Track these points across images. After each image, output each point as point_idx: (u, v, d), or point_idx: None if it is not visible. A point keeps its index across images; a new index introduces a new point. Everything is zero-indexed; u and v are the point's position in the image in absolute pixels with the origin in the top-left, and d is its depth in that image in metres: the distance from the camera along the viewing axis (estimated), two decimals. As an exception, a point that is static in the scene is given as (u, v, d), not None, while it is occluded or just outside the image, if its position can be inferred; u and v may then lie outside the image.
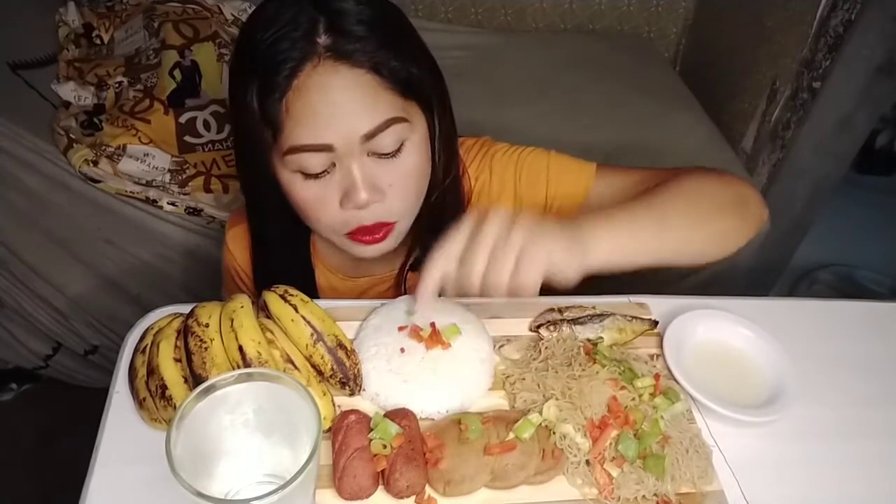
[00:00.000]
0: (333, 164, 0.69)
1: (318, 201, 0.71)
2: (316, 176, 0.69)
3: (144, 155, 1.50)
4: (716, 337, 0.79)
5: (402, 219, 0.76)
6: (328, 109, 0.66)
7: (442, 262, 0.61)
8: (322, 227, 0.75)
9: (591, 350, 0.72)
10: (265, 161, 0.71)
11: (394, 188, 0.72)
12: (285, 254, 0.87)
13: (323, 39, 0.66)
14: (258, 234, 0.86)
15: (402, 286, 0.89)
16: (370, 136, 0.68)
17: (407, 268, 0.88)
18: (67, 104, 1.58)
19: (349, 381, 0.67)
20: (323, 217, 0.73)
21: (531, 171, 0.85)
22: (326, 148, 0.67)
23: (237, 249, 0.90)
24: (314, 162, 0.68)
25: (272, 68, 0.66)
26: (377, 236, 0.74)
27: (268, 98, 0.67)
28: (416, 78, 0.71)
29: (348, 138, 0.67)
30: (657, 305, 0.83)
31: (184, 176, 1.51)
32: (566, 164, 0.85)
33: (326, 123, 0.66)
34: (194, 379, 0.61)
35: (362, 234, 0.74)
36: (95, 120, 1.55)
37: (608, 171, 0.84)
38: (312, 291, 0.88)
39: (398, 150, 0.70)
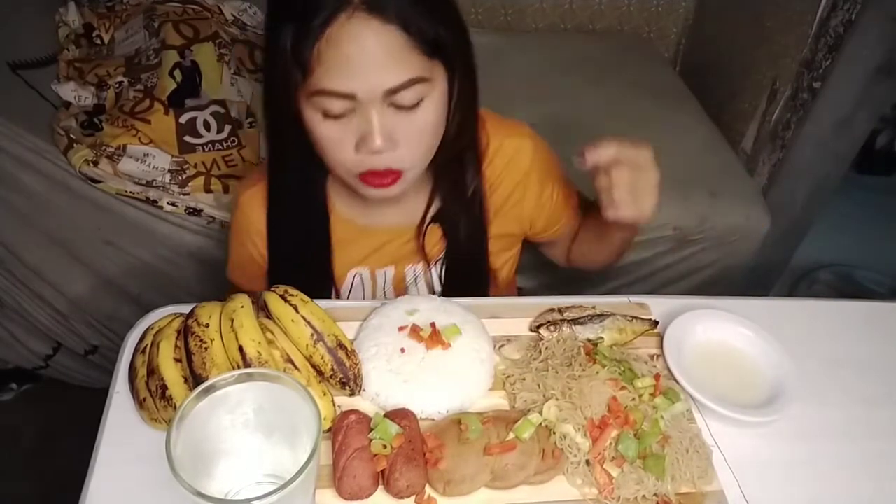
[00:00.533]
0: (354, 110, 0.72)
1: (337, 141, 0.75)
2: (336, 117, 0.73)
3: (144, 155, 1.50)
4: (716, 337, 0.79)
5: (411, 168, 0.79)
6: (356, 60, 0.69)
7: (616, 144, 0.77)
8: (337, 166, 0.78)
9: (592, 350, 0.72)
10: (292, 99, 0.75)
11: (407, 140, 0.75)
12: (302, 203, 0.89)
13: None
14: (278, 182, 0.88)
15: (421, 238, 0.92)
16: (393, 92, 0.71)
17: (427, 220, 0.91)
18: (67, 104, 1.58)
19: (349, 381, 0.67)
20: (339, 156, 0.76)
21: (552, 185, 0.97)
22: (350, 96, 0.70)
23: (253, 211, 0.91)
24: (336, 105, 0.72)
25: (308, 14, 0.69)
26: (385, 181, 0.77)
27: (301, 42, 0.70)
28: (442, 39, 0.73)
29: (372, 90, 0.70)
30: (657, 305, 0.83)
31: (184, 176, 1.51)
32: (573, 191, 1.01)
33: (353, 74, 0.69)
34: (194, 379, 0.61)
35: (373, 177, 0.77)
36: (95, 120, 1.55)
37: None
38: (327, 244, 0.91)
39: (416, 105, 0.73)
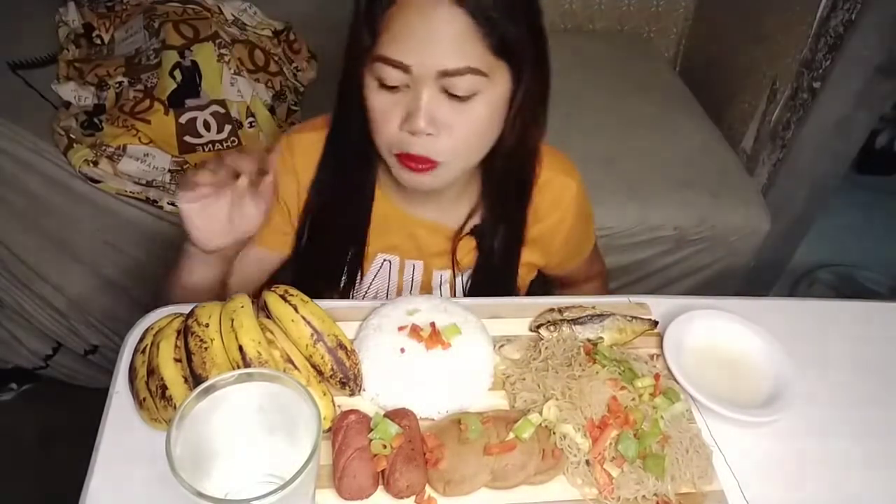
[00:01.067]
0: (407, 85, 0.73)
1: (384, 113, 0.75)
2: (390, 88, 0.73)
3: (144, 155, 1.50)
4: (716, 337, 0.79)
5: (447, 162, 0.77)
6: (418, 33, 0.70)
7: None
8: (380, 140, 0.78)
9: (591, 350, 0.72)
10: (359, 62, 0.75)
11: (451, 130, 0.75)
12: (354, 168, 0.88)
13: None
14: (337, 141, 0.88)
15: (454, 244, 0.92)
16: (445, 75, 0.71)
17: (465, 229, 0.91)
18: (67, 104, 1.58)
19: (349, 381, 0.67)
20: (383, 129, 0.76)
21: (580, 230, 0.99)
22: (404, 67, 0.71)
23: (302, 157, 0.90)
24: (392, 75, 0.72)
25: None
26: (421, 167, 0.77)
27: (374, 6, 0.72)
28: (512, 39, 0.73)
29: (426, 68, 0.70)
30: (657, 305, 0.83)
31: (184, 176, 1.51)
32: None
33: (412, 46, 0.70)
34: (194, 379, 0.61)
35: (408, 159, 0.77)
36: (95, 120, 1.55)
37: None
38: (366, 216, 0.91)
39: (469, 98, 0.73)
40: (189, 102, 1.60)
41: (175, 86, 1.60)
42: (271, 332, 0.66)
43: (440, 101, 0.73)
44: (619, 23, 2.30)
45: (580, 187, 0.95)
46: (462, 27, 0.70)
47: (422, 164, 0.76)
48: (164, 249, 1.49)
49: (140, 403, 0.63)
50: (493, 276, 0.94)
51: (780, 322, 0.81)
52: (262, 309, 0.68)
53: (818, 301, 0.91)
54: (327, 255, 0.91)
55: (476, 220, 0.91)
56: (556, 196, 0.92)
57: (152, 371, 0.63)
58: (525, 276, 0.99)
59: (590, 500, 0.62)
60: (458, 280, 0.95)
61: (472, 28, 0.70)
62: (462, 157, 0.78)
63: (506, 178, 0.87)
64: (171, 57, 1.62)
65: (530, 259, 0.96)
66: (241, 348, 0.61)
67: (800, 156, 1.77)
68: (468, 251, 0.93)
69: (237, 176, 0.73)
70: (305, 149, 0.89)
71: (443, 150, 0.76)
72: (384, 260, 0.94)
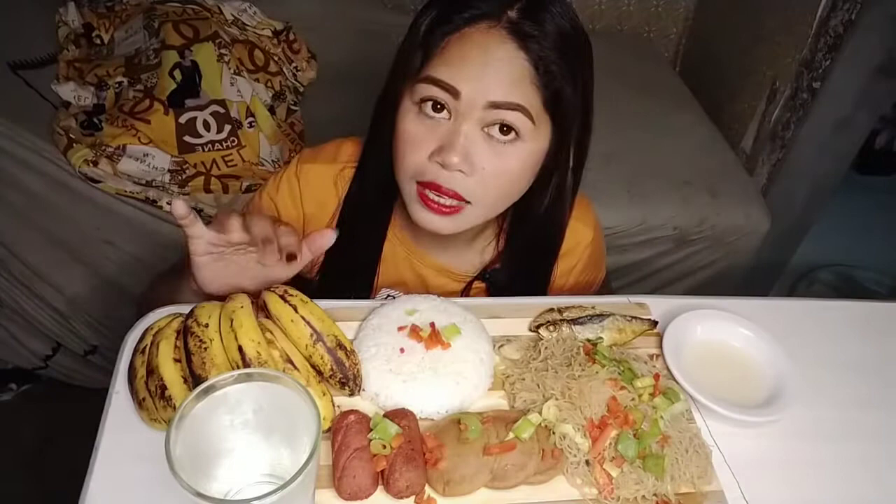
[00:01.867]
0: (449, 117, 0.71)
1: (416, 140, 0.73)
2: (428, 115, 0.72)
3: (144, 155, 1.50)
4: (716, 337, 0.79)
5: (475, 205, 0.75)
6: (475, 66, 0.69)
7: None
8: (404, 167, 0.75)
9: (591, 350, 0.72)
10: (401, 85, 0.74)
11: (485, 173, 0.73)
12: (373, 205, 0.86)
13: (513, 13, 0.70)
14: (368, 168, 0.85)
15: (466, 290, 0.91)
16: (495, 106, 0.70)
17: (480, 276, 0.90)
18: (67, 104, 1.58)
19: (349, 381, 0.67)
20: (410, 156, 0.74)
21: (592, 280, 0.99)
22: (454, 92, 0.70)
23: (308, 189, 0.87)
24: (438, 97, 0.71)
25: (457, 7, 0.70)
26: (444, 206, 0.75)
27: (436, 28, 0.71)
28: (565, 99, 0.73)
29: (476, 96, 0.69)
30: (657, 305, 0.83)
31: (183, 176, 1.51)
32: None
33: (466, 74, 0.69)
34: (194, 379, 0.61)
35: (434, 192, 0.74)
36: (95, 120, 1.55)
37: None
38: (377, 254, 0.89)
39: (508, 143, 0.72)
40: (189, 102, 1.60)
41: (175, 86, 1.60)
42: (271, 333, 0.66)
43: (479, 139, 0.71)
44: (619, 23, 2.30)
45: (596, 235, 0.95)
46: (520, 69, 0.70)
47: (447, 199, 0.74)
48: (164, 249, 1.49)
49: (139, 403, 0.63)
50: None
51: (780, 322, 0.81)
52: (261, 309, 0.68)
53: (818, 301, 0.91)
54: (332, 287, 0.89)
55: (490, 268, 0.90)
56: (570, 244, 0.92)
57: (152, 371, 0.63)
58: None
59: (589, 500, 0.62)
60: None
61: (530, 74, 0.70)
62: (488, 204, 0.77)
63: (534, 243, 0.87)
64: (171, 57, 1.62)
65: None
66: (240, 348, 0.61)
67: (800, 156, 1.77)
68: (479, 293, 0.93)
69: (263, 241, 0.67)
70: (314, 182, 0.87)
71: (474, 191, 0.74)
72: (388, 295, 0.93)
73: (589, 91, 0.77)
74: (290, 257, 0.67)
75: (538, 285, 0.92)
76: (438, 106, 0.71)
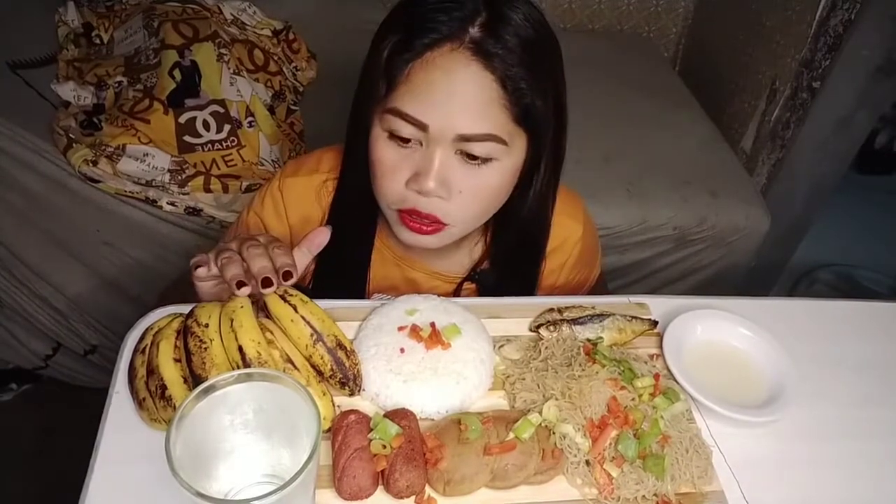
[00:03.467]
0: (420, 143, 0.70)
1: (390, 168, 0.72)
2: (400, 144, 0.71)
3: (144, 155, 1.50)
4: (716, 337, 0.79)
5: (456, 225, 0.76)
6: (441, 95, 0.67)
7: None
8: (382, 195, 0.75)
9: (591, 350, 0.72)
10: (369, 110, 0.73)
11: (462, 195, 0.72)
12: (357, 220, 0.86)
13: (474, 31, 0.67)
14: (345, 184, 0.85)
15: (456, 292, 0.90)
16: (464, 139, 0.69)
17: (469, 277, 0.90)
18: (67, 104, 1.58)
19: (349, 381, 0.67)
20: (387, 184, 0.73)
21: (587, 273, 0.98)
22: (421, 126, 0.68)
23: (291, 201, 0.87)
24: (406, 130, 0.70)
25: (416, 31, 0.67)
26: (426, 228, 0.75)
27: (398, 55, 0.68)
28: (536, 111, 0.71)
29: (445, 129, 0.68)
30: (657, 305, 0.83)
31: (183, 176, 1.51)
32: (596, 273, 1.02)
33: (433, 106, 0.67)
34: (194, 379, 0.61)
35: (413, 218, 0.74)
36: (95, 120, 1.55)
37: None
38: (366, 263, 0.89)
39: (484, 162, 0.71)
40: (188, 102, 1.60)
41: (174, 85, 1.60)
42: (271, 332, 0.66)
43: (453, 163, 0.70)
44: (619, 22, 2.30)
45: (587, 230, 0.94)
46: (488, 93, 0.67)
47: (428, 224, 0.74)
48: (164, 249, 1.49)
49: (140, 403, 0.63)
50: None
51: (780, 322, 0.81)
52: (261, 309, 0.68)
53: (818, 301, 0.91)
54: (324, 292, 0.89)
55: (478, 268, 0.90)
56: (557, 241, 0.91)
57: (152, 371, 0.63)
58: None
59: (590, 500, 0.62)
60: None
61: (498, 95, 0.68)
62: (469, 221, 0.77)
63: (519, 244, 0.86)
64: (171, 56, 1.62)
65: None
66: (240, 348, 0.61)
67: (799, 156, 1.77)
68: (469, 292, 0.93)
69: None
70: (297, 196, 0.87)
71: (454, 213, 0.74)
72: (380, 300, 0.93)
73: (561, 92, 0.76)
74: (287, 276, 0.64)
75: (527, 284, 0.91)
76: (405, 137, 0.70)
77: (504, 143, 0.70)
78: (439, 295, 0.88)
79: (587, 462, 0.63)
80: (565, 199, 0.89)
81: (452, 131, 0.68)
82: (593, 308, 0.79)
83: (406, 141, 0.70)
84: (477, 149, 0.69)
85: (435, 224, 0.74)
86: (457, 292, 0.91)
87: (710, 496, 0.64)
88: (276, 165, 1.67)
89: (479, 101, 0.68)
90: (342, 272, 0.89)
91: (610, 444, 0.64)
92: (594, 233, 0.98)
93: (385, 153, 0.72)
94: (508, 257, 0.88)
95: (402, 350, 0.70)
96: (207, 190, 1.51)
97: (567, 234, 0.92)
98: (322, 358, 0.66)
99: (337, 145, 0.88)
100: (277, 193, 0.88)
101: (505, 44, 0.67)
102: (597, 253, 1.00)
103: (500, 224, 0.85)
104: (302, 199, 0.87)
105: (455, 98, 0.67)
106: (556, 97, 0.74)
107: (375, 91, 0.71)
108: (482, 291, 0.91)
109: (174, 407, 0.61)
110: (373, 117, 0.72)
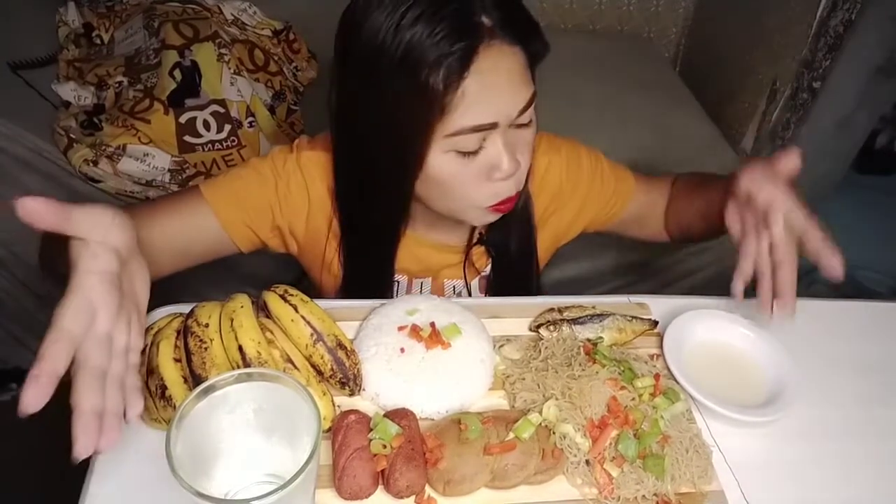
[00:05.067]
0: (485, 139, 0.71)
1: (472, 177, 0.73)
2: (470, 154, 0.71)
3: (144, 155, 1.50)
4: (716, 337, 0.79)
5: (523, 186, 0.79)
6: (496, 91, 0.68)
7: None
8: (467, 203, 0.76)
9: (591, 350, 0.72)
10: (419, 143, 0.70)
11: (524, 157, 0.75)
12: (385, 223, 0.85)
13: (485, 19, 0.67)
14: (369, 210, 0.82)
15: (466, 256, 0.92)
16: (523, 111, 0.71)
17: (475, 241, 0.91)
18: (67, 104, 1.58)
19: (349, 381, 0.67)
20: (473, 192, 0.74)
21: (606, 186, 0.95)
22: (492, 126, 0.70)
23: (312, 174, 0.83)
24: (473, 140, 0.70)
25: (444, 52, 0.65)
26: (511, 204, 0.77)
27: (451, 80, 0.66)
28: (540, 57, 0.74)
29: (509, 115, 0.70)
30: (657, 305, 0.83)
31: (184, 176, 1.51)
32: (622, 175, 0.98)
33: (494, 104, 0.69)
34: (194, 379, 0.61)
35: (503, 203, 0.76)
36: (95, 120, 1.55)
37: (640, 182, 0.98)
38: (392, 263, 0.89)
39: (529, 122, 0.74)
40: (189, 102, 1.60)
41: (175, 85, 1.60)
42: (271, 332, 0.66)
43: (510, 139, 0.72)
44: (620, 23, 2.30)
45: (570, 153, 0.93)
46: (521, 61, 0.70)
47: (511, 200, 0.76)
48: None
49: (140, 403, 0.63)
50: (513, 275, 0.94)
51: (780, 322, 0.81)
52: (261, 309, 0.68)
53: (818, 301, 0.91)
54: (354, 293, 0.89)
55: (483, 229, 0.91)
56: (541, 177, 0.91)
57: (152, 371, 0.63)
58: (545, 256, 0.99)
59: (590, 500, 0.62)
60: (475, 284, 0.95)
61: (526, 59, 0.71)
62: (526, 176, 0.79)
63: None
64: (171, 57, 1.62)
65: (547, 240, 0.96)
66: (240, 348, 0.61)
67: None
68: (478, 257, 0.93)
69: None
70: (321, 167, 0.85)
71: (521, 178, 0.76)
72: (393, 281, 0.93)
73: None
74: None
75: (528, 231, 0.92)
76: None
77: (536, 94, 0.73)
78: (449, 268, 0.90)
79: (587, 462, 0.63)
80: (538, 138, 0.87)
81: (515, 111, 0.70)
82: (593, 308, 0.79)
83: (476, 152, 0.71)
84: (528, 114, 0.72)
85: (517, 197, 0.77)
86: (467, 260, 0.92)
87: (710, 496, 0.64)
88: (277, 165, 1.66)
89: (522, 73, 0.70)
90: (371, 272, 0.90)
91: (610, 444, 0.64)
92: (584, 154, 0.94)
93: (462, 169, 0.72)
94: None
95: (402, 350, 0.70)
96: (208, 190, 1.51)
97: (546, 165, 0.91)
98: (322, 358, 0.66)
99: None
100: (296, 169, 0.85)
101: (507, 11, 0.69)
102: (596, 159, 0.96)
103: None
104: (326, 172, 0.85)
105: (507, 86, 0.69)
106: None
107: (427, 122, 0.68)
108: (493, 254, 0.92)
109: (174, 407, 0.61)
110: (426, 147, 0.70)
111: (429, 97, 0.66)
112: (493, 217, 0.79)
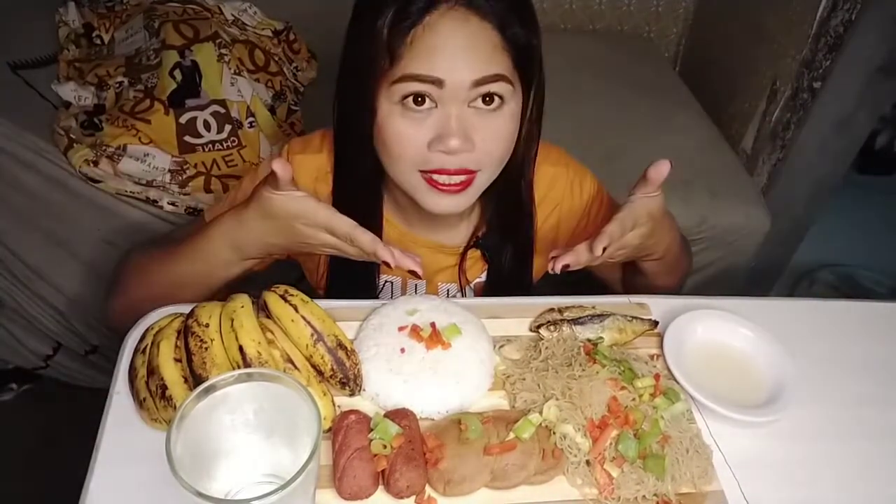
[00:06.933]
0: (435, 105, 0.71)
1: (409, 136, 0.73)
2: (414, 110, 0.72)
3: (145, 155, 1.50)
4: (716, 337, 0.79)
5: (483, 172, 0.77)
6: (449, 50, 0.69)
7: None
8: (403, 164, 0.75)
9: (591, 350, 0.72)
10: (371, 90, 0.73)
11: (485, 141, 0.74)
12: (363, 200, 0.86)
13: None
14: (343, 170, 0.85)
15: (461, 260, 0.91)
16: (478, 84, 0.70)
17: (471, 244, 0.91)
18: (67, 104, 1.58)
19: (349, 381, 0.67)
20: (407, 152, 0.74)
21: (602, 214, 0.96)
22: (437, 82, 0.70)
23: (300, 180, 0.85)
24: (420, 92, 0.71)
25: (408, 1, 0.69)
26: (455, 184, 0.75)
27: (397, 25, 0.69)
28: (532, 50, 0.74)
29: (459, 80, 0.70)
30: (657, 305, 0.83)
31: (184, 176, 1.51)
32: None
33: (444, 61, 0.69)
34: (194, 379, 0.61)
35: (443, 175, 0.75)
36: (96, 120, 1.55)
37: None
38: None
39: (497, 108, 0.73)
40: (189, 102, 1.60)
41: (175, 86, 1.60)
42: (271, 332, 0.66)
43: (469, 115, 0.72)
44: (619, 23, 2.30)
45: (577, 172, 0.94)
46: (490, 40, 0.70)
47: (457, 176, 0.75)
48: (164, 249, 1.49)
49: (140, 403, 0.63)
50: (507, 282, 0.93)
51: (780, 322, 0.81)
52: (262, 309, 0.68)
53: (818, 301, 0.91)
54: (339, 288, 0.89)
55: (480, 233, 0.91)
56: (547, 188, 0.92)
57: (152, 371, 0.63)
58: (540, 271, 0.99)
59: (590, 500, 0.62)
60: (468, 290, 0.95)
61: (499, 40, 0.71)
62: (493, 165, 0.78)
63: (508, 192, 0.87)
64: (171, 57, 1.62)
65: (544, 251, 0.95)
66: (241, 348, 0.61)
67: (800, 156, 1.77)
68: (474, 262, 0.93)
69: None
70: (305, 171, 0.87)
71: (481, 160, 0.75)
72: (385, 282, 0.93)
73: (539, 38, 0.78)
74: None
75: (527, 239, 0.92)
76: (420, 99, 0.71)
77: (511, 83, 0.73)
78: (444, 269, 0.90)
79: (587, 462, 0.63)
80: (545, 149, 0.90)
81: (467, 79, 0.70)
82: (593, 308, 0.79)
83: (421, 103, 0.71)
84: (491, 88, 0.71)
85: (466, 174, 0.75)
86: (462, 262, 0.92)
87: (710, 496, 0.64)
88: (277, 166, 1.66)
89: (485, 47, 0.70)
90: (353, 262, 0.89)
91: (610, 444, 0.64)
92: (587, 177, 0.96)
93: (400, 124, 0.73)
94: (506, 214, 0.89)
95: (402, 350, 0.70)
96: (208, 190, 1.51)
97: (553, 177, 0.93)
98: (322, 358, 0.66)
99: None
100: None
101: None
102: (599, 194, 0.97)
103: (492, 184, 0.84)
104: (310, 177, 0.87)
105: (463, 51, 0.69)
106: (538, 33, 0.76)
107: (376, 67, 0.71)
108: (488, 258, 0.92)
109: (175, 407, 0.61)
110: (377, 95, 0.73)
111: (375, 39, 0.70)
112: (436, 200, 0.77)
